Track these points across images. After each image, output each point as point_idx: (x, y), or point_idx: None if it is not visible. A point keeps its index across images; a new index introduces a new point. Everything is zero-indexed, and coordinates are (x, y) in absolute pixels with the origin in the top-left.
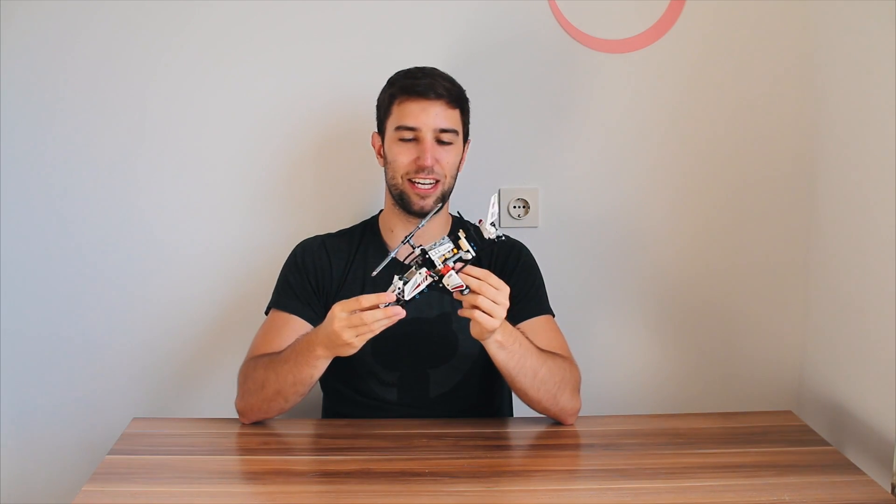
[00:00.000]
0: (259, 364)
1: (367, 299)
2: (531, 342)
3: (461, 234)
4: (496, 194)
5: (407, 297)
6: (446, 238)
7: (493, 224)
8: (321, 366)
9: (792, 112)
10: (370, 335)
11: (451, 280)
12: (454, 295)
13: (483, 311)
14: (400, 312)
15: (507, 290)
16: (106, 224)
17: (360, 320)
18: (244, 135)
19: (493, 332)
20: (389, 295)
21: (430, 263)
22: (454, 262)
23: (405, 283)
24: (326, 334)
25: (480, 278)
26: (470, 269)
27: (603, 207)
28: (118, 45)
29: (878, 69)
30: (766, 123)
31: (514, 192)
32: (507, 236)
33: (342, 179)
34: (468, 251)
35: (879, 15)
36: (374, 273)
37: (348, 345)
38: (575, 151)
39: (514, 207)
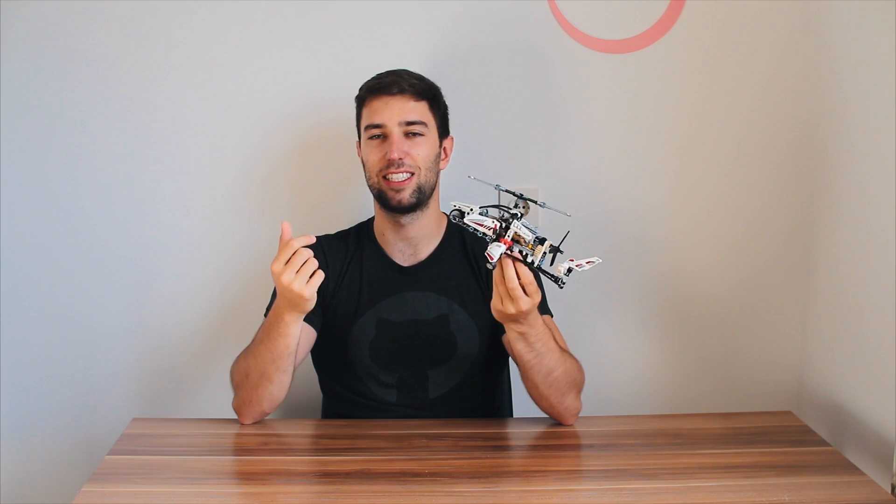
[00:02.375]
0: (241, 358)
1: (299, 240)
2: (555, 342)
3: (547, 244)
4: (600, 261)
5: (466, 220)
6: (538, 231)
7: (569, 270)
8: (293, 332)
9: (792, 112)
10: (314, 277)
11: (494, 248)
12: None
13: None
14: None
15: (529, 301)
16: (106, 225)
17: (301, 258)
18: (243, 136)
19: (498, 312)
20: (310, 238)
21: (507, 227)
22: (517, 250)
23: (480, 214)
24: (279, 293)
25: (521, 275)
26: (520, 266)
27: (603, 207)
28: (115, 46)
29: (879, 69)
30: (767, 123)
31: None
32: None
33: (341, 180)
34: (534, 260)
35: (879, 15)
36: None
37: (302, 295)
38: (575, 151)
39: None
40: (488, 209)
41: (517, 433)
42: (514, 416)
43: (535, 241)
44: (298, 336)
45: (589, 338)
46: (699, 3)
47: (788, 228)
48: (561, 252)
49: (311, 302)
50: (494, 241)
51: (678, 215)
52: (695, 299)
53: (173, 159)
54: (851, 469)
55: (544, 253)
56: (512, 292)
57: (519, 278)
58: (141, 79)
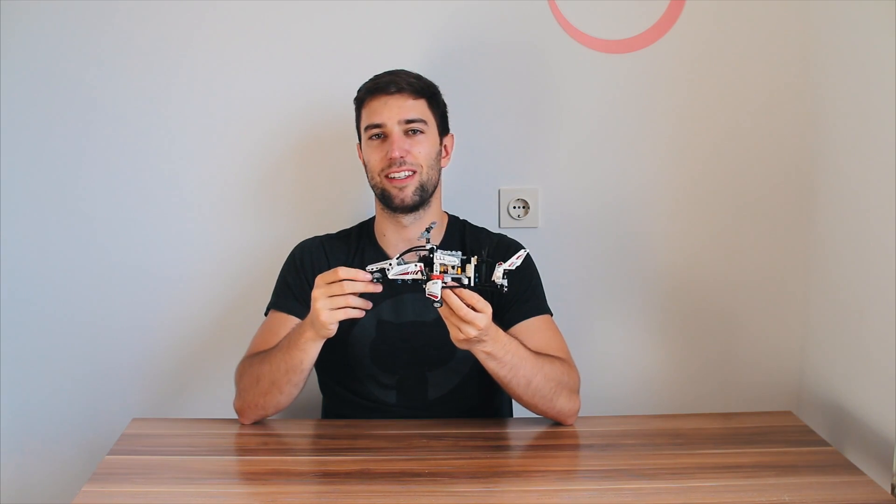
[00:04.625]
0: (254, 360)
1: (345, 271)
2: (527, 350)
3: (474, 260)
4: (527, 251)
5: (391, 276)
6: (459, 253)
7: (506, 272)
8: (310, 350)
9: (792, 113)
10: (343, 310)
11: (432, 287)
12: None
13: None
14: (376, 287)
15: (484, 317)
16: (106, 225)
17: (340, 289)
18: (242, 136)
19: (457, 343)
20: (365, 274)
21: (429, 262)
22: (450, 278)
23: (398, 264)
24: (310, 313)
25: (464, 298)
26: (461, 291)
27: (603, 207)
28: (116, 47)
29: (878, 69)
30: (766, 124)
31: (514, 192)
32: (507, 288)
33: (340, 180)
34: (469, 279)
35: (879, 15)
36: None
37: (321, 321)
38: (575, 151)
39: (514, 207)
40: (403, 257)
41: (517, 433)
42: (514, 416)
43: (461, 262)
44: (314, 356)
45: (589, 338)
46: (699, 3)
47: (788, 228)
48: (490, 261)
49: (329, 331)
50: (426, 281)
51: (678, 215)
52: (695, 299)
53: (175, 161)
54: (851, 469)
55: (476, 268)
56: (465, 316)
57: (464, 301)
58: (141, 80)
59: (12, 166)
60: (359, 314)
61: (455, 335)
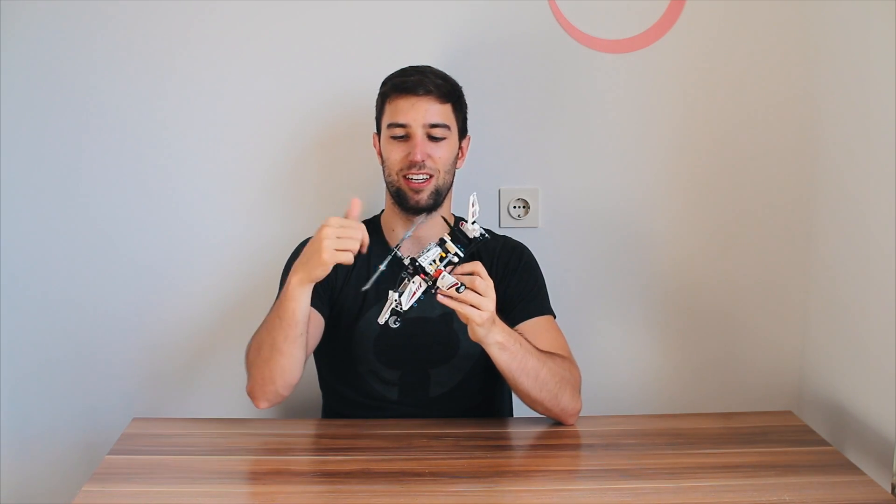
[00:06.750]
0: (254, 335)
1: (363, 228)
2: (531, 343)
3: (447, 237)
4: (474, 194)
5: (405, 307)
6: (433, 244)
7: (475, 223)
8: (300, 297)
9: (792, 113)
10: (344, 252)
11: (445, 280)
12: (440, 296)
13: (471, 305)
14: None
15: (491, 282)
16: (106, 225)
17: (353, 232)
18: (245, 134)
19: (482, 325)
20: (364, 235)
21: (421, 269)
22: (444, 266)
23: (401, 295)
24: (306, 249)
25: (470, 272)
26: (459, 267)
27: (603, 207)
28: (124, 44)
29: (879, 70)
30: (767, 124)
31: (514, 192)
32: (489, 232)
33: (345, 177)
34: (456, 253)
35: (879, 15)
36: (365, 288)
37: (322, 258)
38: (575, 151)
39: (514, 207)
40: (399, 288)
41: (517, 433)
42: (514, 416)
43: (442, 248)
44: (306, 305)
45: (589, 338)
46: (699, 3)
47: (788, 228)
48: (459, 228)
49: (323, 270)
50: (434, 282)
51: (678, 215)
52: (695, 299)
53: (177, 159)
54: (851, 469)
55: (453, 241)
56: (478, 287)
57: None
58: (144, 78)
59: (14, 166)
60: (349, 260)
61: (476, 317)
